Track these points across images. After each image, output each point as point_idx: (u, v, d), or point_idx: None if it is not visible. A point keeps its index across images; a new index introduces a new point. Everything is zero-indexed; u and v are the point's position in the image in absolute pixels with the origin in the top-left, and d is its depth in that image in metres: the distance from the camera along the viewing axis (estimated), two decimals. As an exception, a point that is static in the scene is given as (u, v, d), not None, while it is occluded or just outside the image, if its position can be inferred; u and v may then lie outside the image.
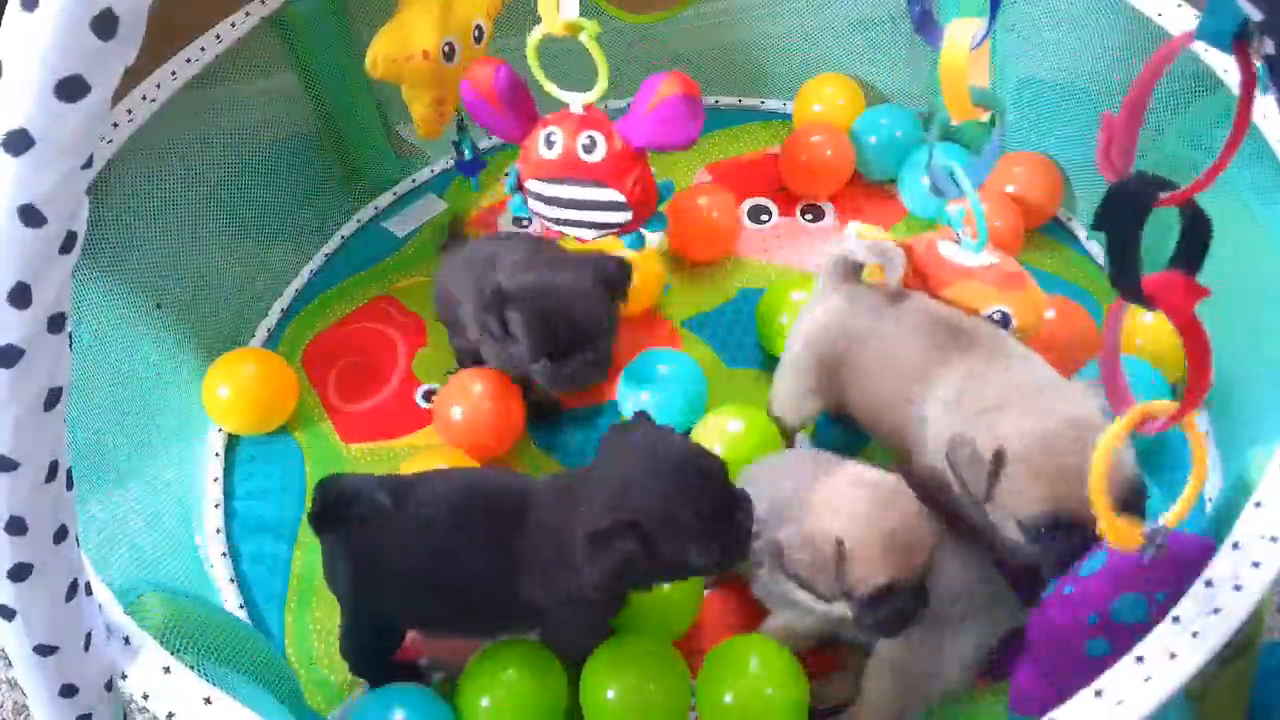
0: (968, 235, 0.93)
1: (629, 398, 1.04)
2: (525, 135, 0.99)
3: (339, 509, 0.84)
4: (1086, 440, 0.71)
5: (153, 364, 1.06)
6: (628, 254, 1.02)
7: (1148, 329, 1.01)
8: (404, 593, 0.85)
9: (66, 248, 0.55)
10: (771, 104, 1.34)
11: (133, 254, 1.04)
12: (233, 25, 1.06)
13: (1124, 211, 0.52)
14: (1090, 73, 1.06)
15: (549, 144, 0.97)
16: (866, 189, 1.24)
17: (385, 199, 1.30)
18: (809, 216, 1.23)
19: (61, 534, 0.60)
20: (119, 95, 0.98)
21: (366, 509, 0.84)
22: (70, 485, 0.60)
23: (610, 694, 0.84)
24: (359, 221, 1.28)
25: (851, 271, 0.94)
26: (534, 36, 0.92)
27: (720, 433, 0.98)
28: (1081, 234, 1.19)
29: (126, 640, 0.68)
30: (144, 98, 1.00)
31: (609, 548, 0.75)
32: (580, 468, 0.85)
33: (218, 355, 1.10)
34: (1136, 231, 0.53)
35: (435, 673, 0.92)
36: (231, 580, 1.00)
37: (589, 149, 0.96)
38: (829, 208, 1.23)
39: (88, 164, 0.54)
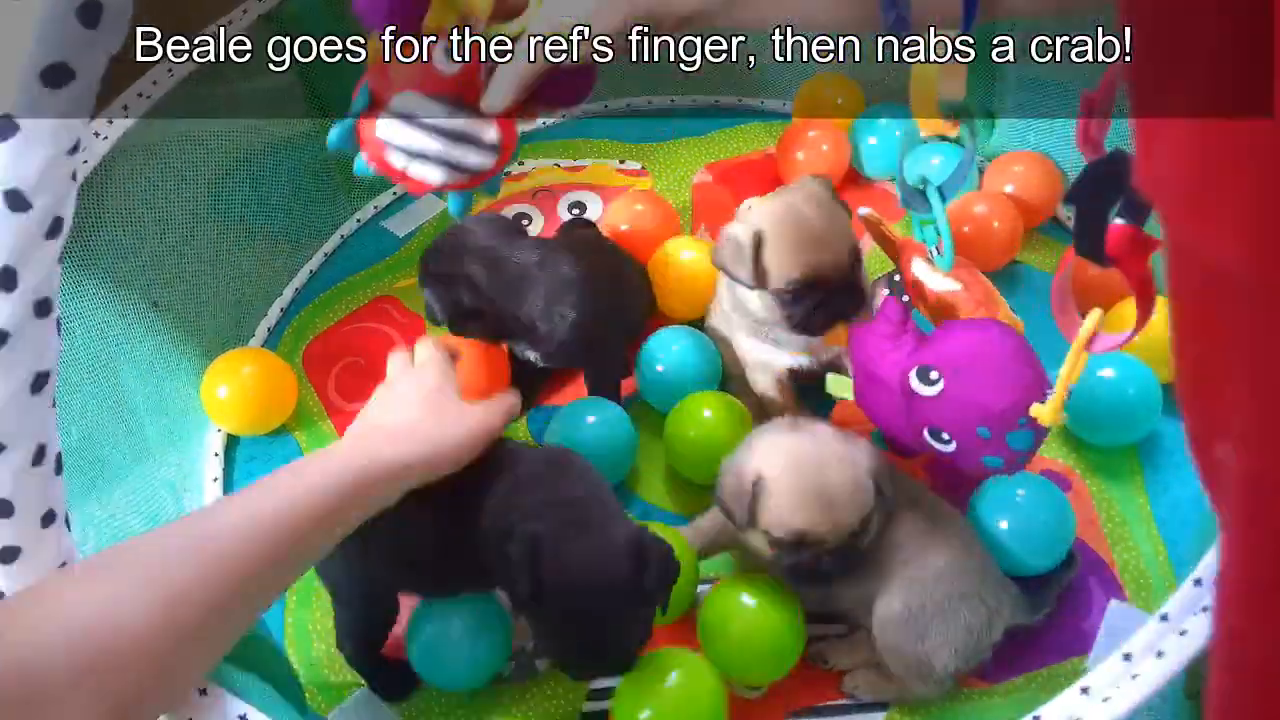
0: (938, 253, 0.93)
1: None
2: (410, 25, 0.77)
3: None
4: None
5: (152, 363, 1.06)
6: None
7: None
8: (380, 560, 0.86)
9: (53, 232, 0.55)
10: (771, 104, 1.34)
11: (131, 252, 1.04)
12: (230, 22, 1.06)
13: (1099, 189, 0.54)
14: (1088, 71, 1.05)
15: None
16: (866, 188, 1.24)
17: (385, 198, 1.30)
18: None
19: (50, 517, 0.60)
20: (117, 91, 0.99)
21: None
22: (59, 470, 0.60)
23: (644, 715, 0.81)
24: (359, 221, 1.28)
25: None
26: None
27: (696, 417, 0.99)
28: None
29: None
30: (140, 94, 1.00)
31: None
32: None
33: (217, 355, 1.10)
34: (1109, 209, 0.55)
35: None
36: (232, 580, 1.00)
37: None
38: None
39: (74, 150, 0.55)
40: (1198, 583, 0.60)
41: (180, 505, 1.03)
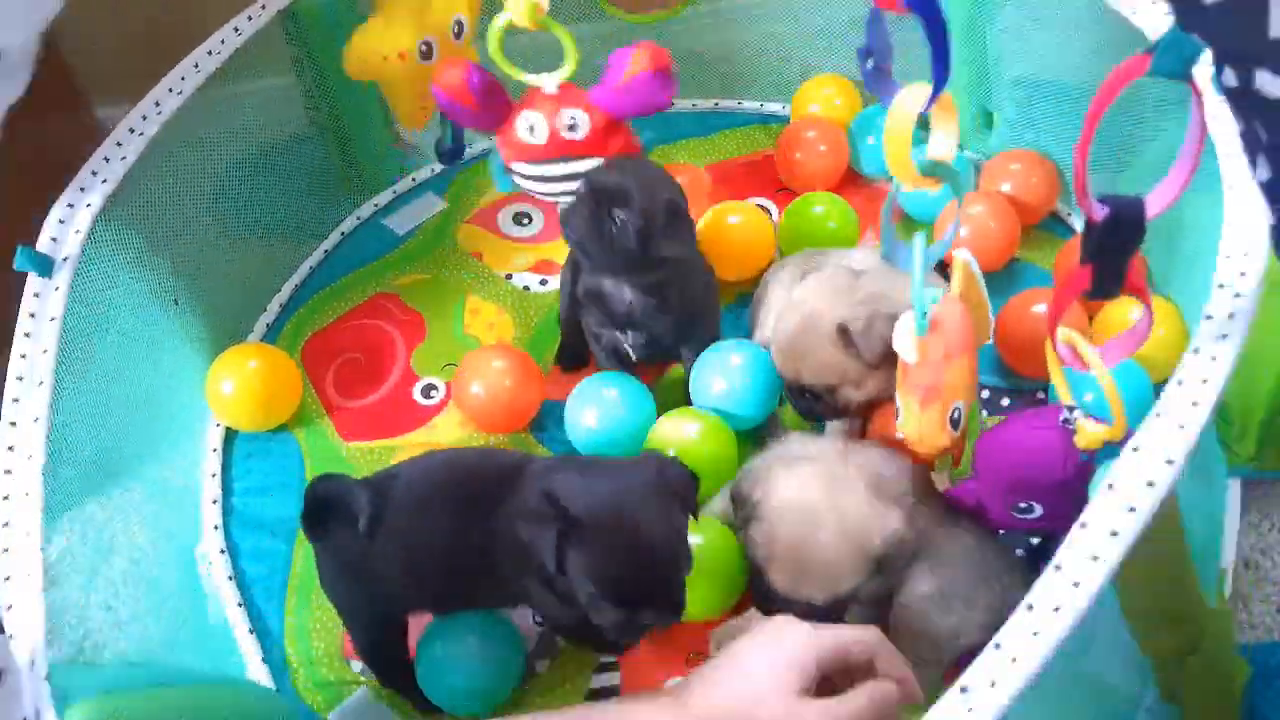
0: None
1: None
2: (504, 123, 1.01)
3: (326, 514, 0.84)
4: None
5: (157, 362, 1.05)
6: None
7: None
8: (393, 581, 0.86)
9: None
10: (771, 106, 1.35)
11: (146, 253, 1.03)
12: (249, 19, 1.06)
13: (1119, 239, 0.58)
14: (1081, 70, 1.06)
15: (530, 130, 1.00)
16: (867, 189, 1.24)
17: (385, 196, 1.30)
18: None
19: None
20: (139, 94, 0.99)
21: (350, 517, 0.83)
22: None
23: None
24: (359, 218, 1.28)
25: None
26: (497, 25, 0.97)
27: (677, 436, 0.97)
28: (1078, 228, 1.19)
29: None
30: (170, 90, 1.00)
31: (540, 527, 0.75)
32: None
33: (218, 352, 1.10)
34: (1129, 256, 0.58)
35: None
36: (231, 578, 1.00)
37: (572, 128, 0.99)
38: (829, 207, 1.23)
39: None
40: (1057, 569, 0.61)
41: (180, 502, 1.04)
